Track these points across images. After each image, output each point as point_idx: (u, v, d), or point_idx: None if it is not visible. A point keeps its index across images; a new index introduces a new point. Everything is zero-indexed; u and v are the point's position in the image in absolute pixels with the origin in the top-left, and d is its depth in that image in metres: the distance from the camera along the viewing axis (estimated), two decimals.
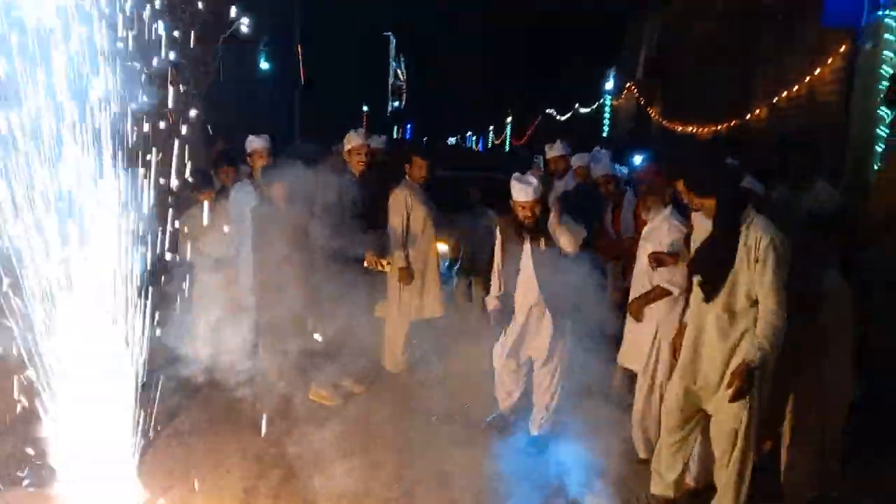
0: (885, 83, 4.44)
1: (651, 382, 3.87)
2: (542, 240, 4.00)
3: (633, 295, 3.96)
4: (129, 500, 3.22)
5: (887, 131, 4.30)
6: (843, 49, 5.56)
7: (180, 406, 4.41)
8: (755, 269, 2.98)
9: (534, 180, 3.98)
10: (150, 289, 3.29)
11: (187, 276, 4.56)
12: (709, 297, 3.09)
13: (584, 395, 4.21)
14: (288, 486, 3.64)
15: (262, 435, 4.05)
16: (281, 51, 16.93)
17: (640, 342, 3.90)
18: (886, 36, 4.78)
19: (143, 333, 3.19)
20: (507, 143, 36.00)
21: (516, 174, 4.05)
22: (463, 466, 3.88)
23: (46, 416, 3.05)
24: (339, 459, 3.89)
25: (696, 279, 3.18)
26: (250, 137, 5.10)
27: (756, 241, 2.98)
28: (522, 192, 3.94)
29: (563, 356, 4.13)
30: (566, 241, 3.92)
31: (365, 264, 4.84)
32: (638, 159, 4.77)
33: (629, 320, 3.98)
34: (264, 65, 16.09)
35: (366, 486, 3.68)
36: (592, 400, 4.24)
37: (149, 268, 3.24)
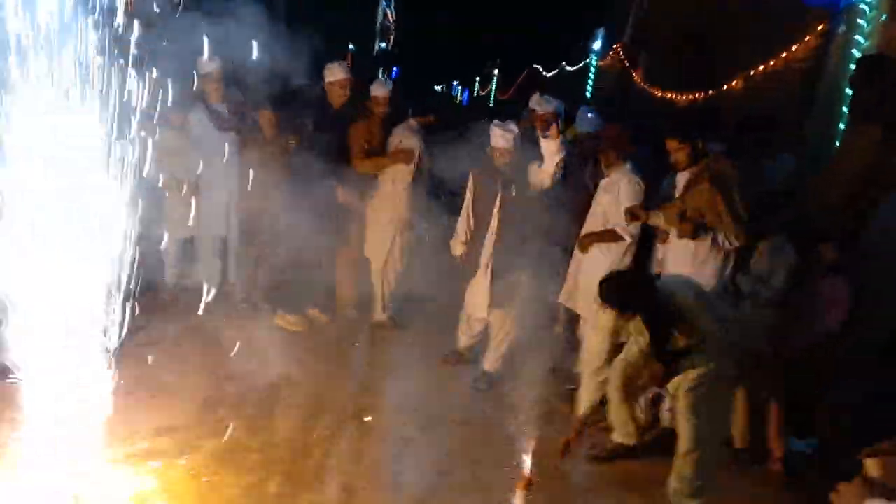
0: (853, 66, 4.62)
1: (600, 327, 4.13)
2: (514, 188, 4.14)
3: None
4: (93, 402, 3.33)
5: (847, 112, 4.51)
6: (820, 28, 5.70)
7: (150, 320, 4.52)
8: None
9: (515, 129, 4.09)
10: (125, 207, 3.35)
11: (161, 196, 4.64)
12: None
13: (538, 335, 4.47)
14: (246, 397, 3.84)
15: (226, 353, 4.22)
16: None
17: (586, 286, 4.13)
18: (859, 21, 4.95)
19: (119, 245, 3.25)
20: (493, 96, 35.66)
21: (496, 121, 4.16)
22: (415, 395, 4.12)
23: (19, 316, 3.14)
24: (299, 377, 4.09)
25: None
26: (202, 59, 4.76)
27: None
28: (502, 138, 4.06)
29: (522, 300, 4.34)
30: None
31: (339, 199, 4.92)
32: (590, 116, 4.91)
33: (574, 262, 4.23)
34: None
35: (322, 402, 3.90)
36: (545, 339, 4.51)
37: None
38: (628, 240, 4.04)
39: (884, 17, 4.78)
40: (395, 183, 4.86)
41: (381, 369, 4.44)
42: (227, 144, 4.76)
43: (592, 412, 3.50)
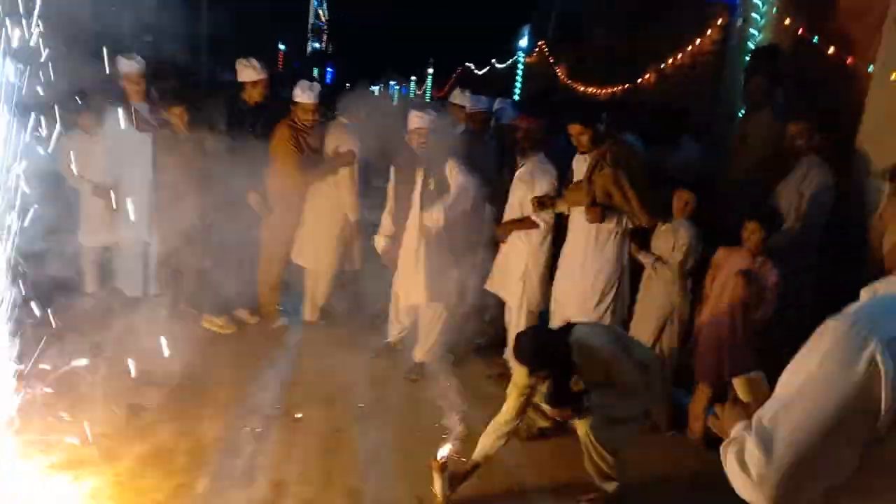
0: (747, 56, 4.94)
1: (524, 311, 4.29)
2: (432, 180, 4.27)
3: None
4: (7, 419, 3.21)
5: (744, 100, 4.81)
6: (720, 22, 6.07)
7: (68, 331, 4.42)
8: None
9: (432, 111, 4.26)
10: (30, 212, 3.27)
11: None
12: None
13: (466, 323, 4.60)
14: (172, 401, 3.82)
15: (151, 358, 4.16)
16: None
17: (509, 273, 4.30)
18: (753, 14, 5.28)
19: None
20: (429, 94, 35.83)
21: (414, 104, 4.34)
22: (347, 389, 4.19)
23: None
24: (227, 378, 4.10)
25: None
26: (119, 59, 4.63)
27: None
28: (418, 118, 4.19)
29: (449, 292, 4.46)
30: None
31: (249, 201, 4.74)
32: (508, 108, 5.10)
33: (501, 251, 4.40)
34: None
35: (252, 401, 3.92)
36: (472, 328, 4.64)
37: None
38: (542, 226, 4.20)
39: (775, 11, 5.12)
40: (338, 186, 4.76)
41: (313, 366, 4.49)
42: (147, 146, 4.67)
43: (484, 461, 3.19)
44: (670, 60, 6.93)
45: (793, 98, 4.53)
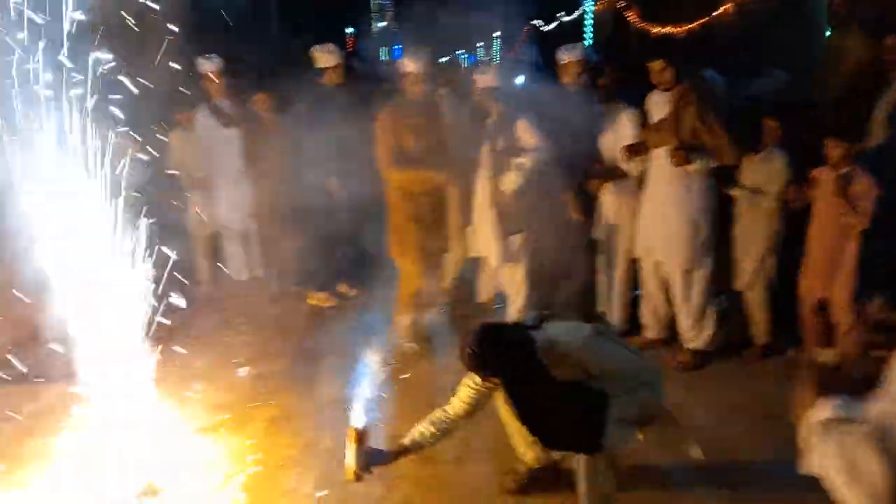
0: None
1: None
2: (500, 140, 4.08)
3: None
4: (148, 400, 3.60)
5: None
6: None
7: (187, 315, 4.74)
8: None
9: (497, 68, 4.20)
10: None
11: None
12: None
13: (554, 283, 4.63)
14: (291, 371, 4.14)
15: (267, 334, 4.54)
16: None
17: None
18: None
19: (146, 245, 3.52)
20: (497, 57, 35.30)
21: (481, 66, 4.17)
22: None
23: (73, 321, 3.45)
24: (335, 349, 4.34)
25: None
26: (199, 60, 4.93)
27: None
28: (484, 77, 4.05)
29: (527, 253, 4.30)
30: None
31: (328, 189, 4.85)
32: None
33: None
34: None
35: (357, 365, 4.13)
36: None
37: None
38: (635, 174, 4.08)
39: None
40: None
41: None
42: (234, 138, 5.01)
43: (414, 450, 2.77)
44: None
45: (881, 11, 4.25)
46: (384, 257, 5.43)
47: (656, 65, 3.78)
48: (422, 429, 2.71)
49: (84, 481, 3.08)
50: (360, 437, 2.62)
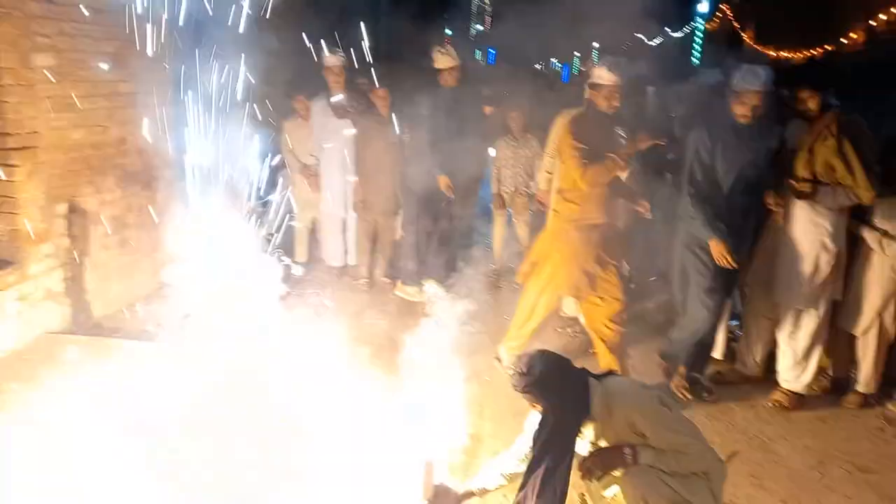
0: None
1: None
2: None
3: None
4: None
5: None
6: None
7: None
8: None
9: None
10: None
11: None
12: None
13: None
14: (373, 357, 4.21)
15: (356, 319, 4.65)
16: None
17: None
18: None
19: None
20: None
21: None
22: None
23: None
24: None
25: None
26: (325, 55, 5.12)
27: None
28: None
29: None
30: None
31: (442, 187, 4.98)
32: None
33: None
34: None
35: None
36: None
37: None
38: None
39: None
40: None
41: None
42: (344, 131, 5.15)
43: (480, 495, 2.91)
44: (882, 15, 6.20)
45: None
46: (478, 261, 5.50)
47: (803, 92, 3.61)
48: (490, 476, 2.86)
49: None
50: (431, 470, 2.79)
